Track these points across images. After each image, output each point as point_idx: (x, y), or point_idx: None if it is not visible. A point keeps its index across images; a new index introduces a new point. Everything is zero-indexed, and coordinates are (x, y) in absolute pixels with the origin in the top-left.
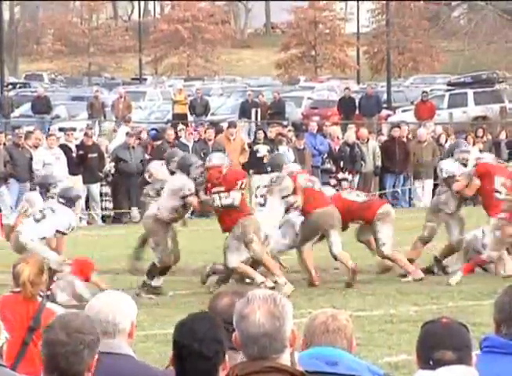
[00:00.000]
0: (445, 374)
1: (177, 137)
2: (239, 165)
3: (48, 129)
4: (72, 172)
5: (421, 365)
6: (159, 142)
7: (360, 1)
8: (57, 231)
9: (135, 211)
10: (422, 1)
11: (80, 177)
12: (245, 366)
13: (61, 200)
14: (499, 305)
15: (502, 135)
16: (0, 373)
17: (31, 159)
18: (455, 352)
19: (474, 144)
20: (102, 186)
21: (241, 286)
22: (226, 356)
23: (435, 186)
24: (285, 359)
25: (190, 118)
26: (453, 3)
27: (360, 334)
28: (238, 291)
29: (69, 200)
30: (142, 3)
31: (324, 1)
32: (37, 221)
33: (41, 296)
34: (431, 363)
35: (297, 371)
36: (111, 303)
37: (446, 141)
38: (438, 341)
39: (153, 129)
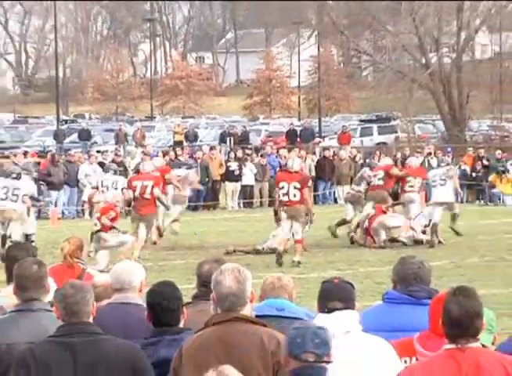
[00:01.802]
0: (337, 315)
1: (176, 156)
2: (219, 176)
3: (89, 151)
4: None
5: (320, 311)
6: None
7: (300, 65)
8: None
9: None
10: (342, 65)
11: None
12: (219, 316)
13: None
14: (395, 270)
15: (398, 155)
16: (53, 318)
17: (78, 171)
18: (343, 302)
19: (378, 160)
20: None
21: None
22: (184, 309)
23: None
24: (247, 310)
25: (185, 143)
26: (363, 66)
27: (300, 290)
28: (217, 259)
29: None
30: (153, 66)
31: (276, 65)
32: None
33: (82, 264)
34: (326, 310)
35: (254, 319)
36: (127, 268)
37: (360, 159)
38: (331, 295)
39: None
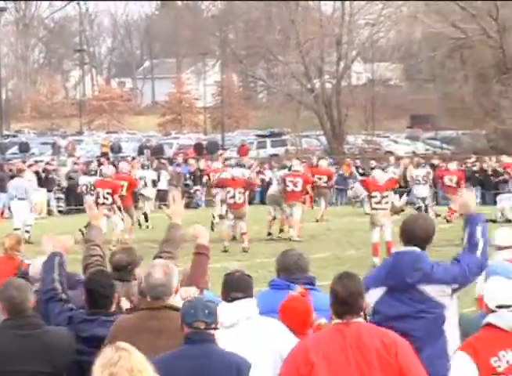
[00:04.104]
0: (238, 303)
1: (100, 164)
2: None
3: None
4: (40, 185)
5: (224, 300)
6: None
7: (206, 89)
8: None
9: None
10: (242, 89)
11: (45, 189)
12: (150, 303)
13: None
14: (278, 262)
15: (288, 164)
16: None
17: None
18: (243, 293)
19: (270, 169)
20: (57, 192)
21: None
22: (116, 294)
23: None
24: (171, 300)
25: (111, 154)
26: (258, 90)
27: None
28: (125, 250)
29: None
30: (82, 89)
31: (185, 88)
32: None
33: (20, 256)
34: (229, 299)
35: (179, 307)
36: None
37: (254, 168)
38: (233, 286)
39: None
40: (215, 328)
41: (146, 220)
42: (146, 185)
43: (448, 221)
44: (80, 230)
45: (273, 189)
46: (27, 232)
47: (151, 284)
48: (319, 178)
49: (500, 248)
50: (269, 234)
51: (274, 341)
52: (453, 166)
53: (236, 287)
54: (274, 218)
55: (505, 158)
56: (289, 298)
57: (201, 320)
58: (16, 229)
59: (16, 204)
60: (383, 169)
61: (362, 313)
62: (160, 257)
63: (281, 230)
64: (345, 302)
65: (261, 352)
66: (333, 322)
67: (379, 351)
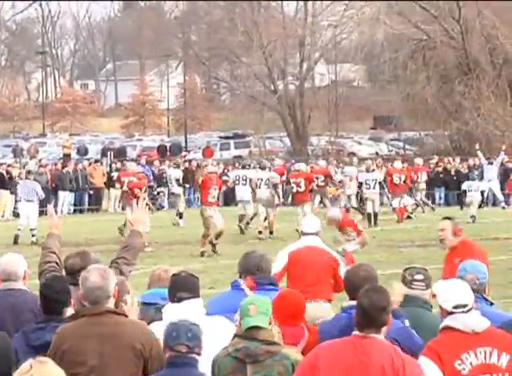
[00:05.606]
0: (185, 304)
1: (63, 167)
2: (103, 183)
3: None
4: (3, 187)
5: (170, 301)
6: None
7: (169, 90)
8: None
9: None
10: (205, 91)
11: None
12: (90, 309)
13: None
14: (240, 263)
15: (252, 165)
16: None
17: None
18: (189, 292)
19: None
20: None
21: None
22: (72, 300)
23: None
24: (110, 303)
25: (77, 157)
26: (221, 92)
27: None
28: (79, 254)
29: None
30: (45, 91)
31: (148, 90)
32: None
33: None
34: (176, 299)
35: (119, 311)
36: (12, 260)
37: (219, 168)
38: (179, 286)
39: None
40: (199, 353)
41: (181, 217)
42: (171, 183)
43: (398, 221)
44: (119, 229)
45: (262, 193)
46: (33, 235)
47: (88, 288)
48: (317, 178)
49: (304, 234)
50: (260, 232)
51: (224, 339)
52: (399, 164)
53: (182, 287)
54: (265, 219)
55: (417, 160)
56: (281, 293)
57: (183, 344)
58: (19, 230)
59: (24, 205)
60: (368, 171)
61: (383, 329)
62: (117, 263)
63: (270, 232)
64: (367, 315)
65: (212, 350)
66: (353, 333)
67: (384, 369)
